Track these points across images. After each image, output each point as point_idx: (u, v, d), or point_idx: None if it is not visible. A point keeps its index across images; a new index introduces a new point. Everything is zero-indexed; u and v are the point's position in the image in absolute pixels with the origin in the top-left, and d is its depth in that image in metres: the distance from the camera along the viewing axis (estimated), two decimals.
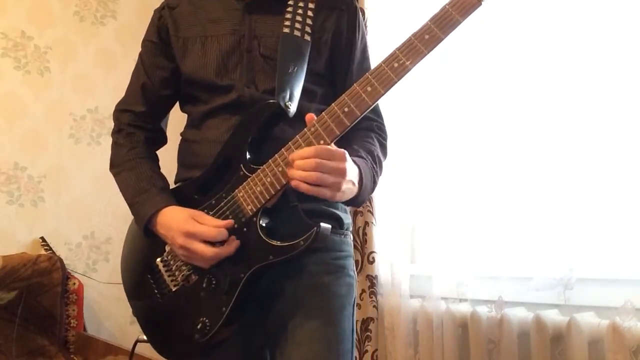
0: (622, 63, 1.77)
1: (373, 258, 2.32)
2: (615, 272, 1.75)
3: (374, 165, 1.29)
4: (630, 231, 1.74)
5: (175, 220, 1.23)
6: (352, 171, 1.17)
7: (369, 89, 1.12)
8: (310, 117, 1.15)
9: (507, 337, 1.85)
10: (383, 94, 1.13)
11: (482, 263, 2.05)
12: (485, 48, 2.08)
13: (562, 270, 1.79)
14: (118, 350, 2.48)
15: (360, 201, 1.27)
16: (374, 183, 1.29)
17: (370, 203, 2.33)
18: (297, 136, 1.16)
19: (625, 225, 1.75)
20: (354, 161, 1.20)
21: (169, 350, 1.31)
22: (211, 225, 1.19)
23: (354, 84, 1.14)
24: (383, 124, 1.42)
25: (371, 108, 1.14)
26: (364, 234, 2.34)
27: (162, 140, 1.49)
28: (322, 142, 1.13)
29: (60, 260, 2.56)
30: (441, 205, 2.16)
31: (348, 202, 1.26)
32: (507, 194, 2.01)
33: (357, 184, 1.19)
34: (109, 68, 3.04)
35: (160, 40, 1.40)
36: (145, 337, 1.37)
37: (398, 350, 2.19)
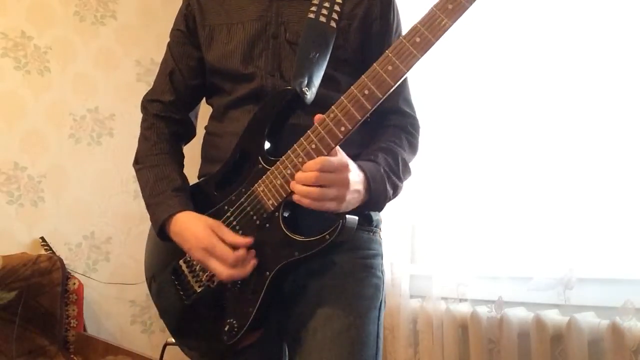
0: (622, 63, 1.77)
1: None
2: (615, 272, 1.75)
3: (394, 168, 1.21)
4: (630, 231, 1.74)
5: (191, 232, 1.18)
6: (356, 179, 1.11)
7: (389, 67, 1.03)
8: (319, 117, 1.09)
9: (507, 337, 1.85)
10: (406, 73, 1.03)
11: (482, 263, 2.05)
12: (485, 48, 2.08)
13: (562, 270, 1.79)
14: (118, 350, 2.49)
15: (375, 207, 1.21)
16: (394, 186, 1.20)
17: None
18: (316, 124, 1.09)
19: (625, 225, 1.75)
20: (359, 166, 1.13)
21: (199, 352, 1.28)
22: (230, 241, 1.14)
23: (374, 64, 1.05)
24: (416, 120, 1.33)
25: (394, 90, 1.05)
26: None
27: (190, 133, 1.45)
28: (342, 128, 1.06)
29: (60, 260, 2.56)
30: (441, 206, 2.16)
31: (364, 208, 1.18)
32: (507, 195, 2.01)
33: (363, 191, 1.13)
34: (109, 68, 3.03)
35: (188, 29, 1.37)
36: (173, 340, 1.34)
37: (398, 350, 2.19)
